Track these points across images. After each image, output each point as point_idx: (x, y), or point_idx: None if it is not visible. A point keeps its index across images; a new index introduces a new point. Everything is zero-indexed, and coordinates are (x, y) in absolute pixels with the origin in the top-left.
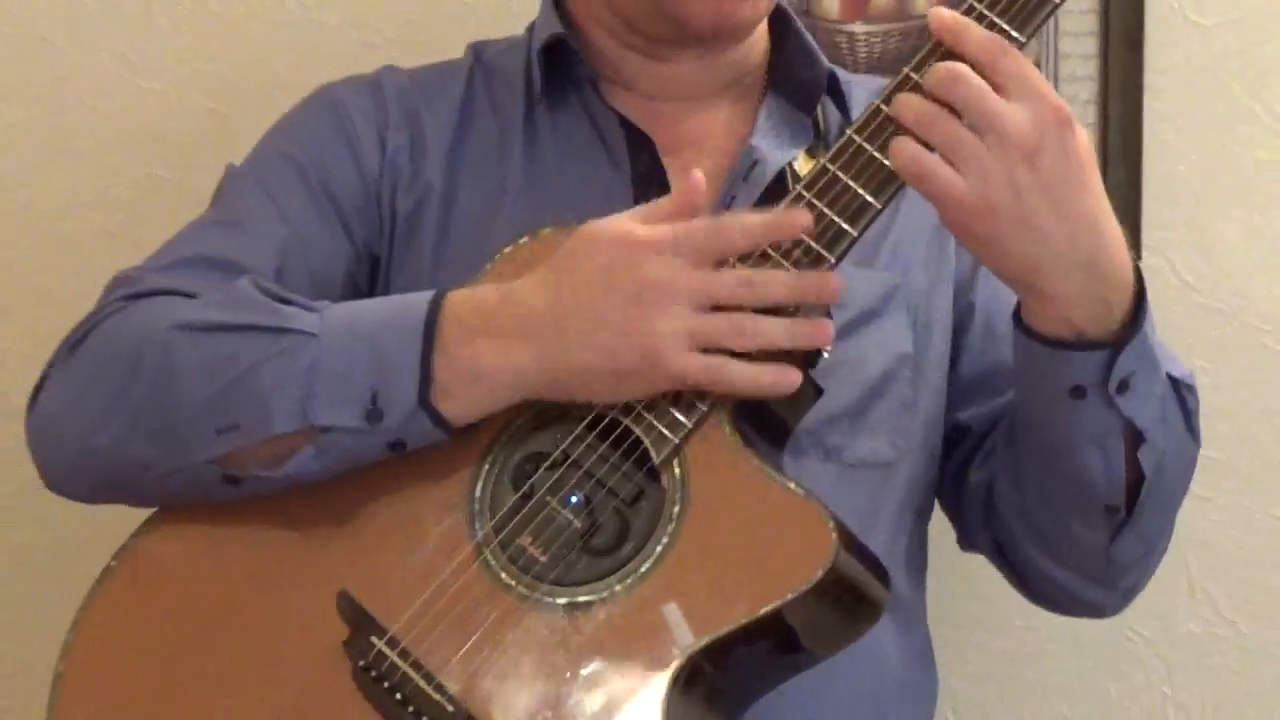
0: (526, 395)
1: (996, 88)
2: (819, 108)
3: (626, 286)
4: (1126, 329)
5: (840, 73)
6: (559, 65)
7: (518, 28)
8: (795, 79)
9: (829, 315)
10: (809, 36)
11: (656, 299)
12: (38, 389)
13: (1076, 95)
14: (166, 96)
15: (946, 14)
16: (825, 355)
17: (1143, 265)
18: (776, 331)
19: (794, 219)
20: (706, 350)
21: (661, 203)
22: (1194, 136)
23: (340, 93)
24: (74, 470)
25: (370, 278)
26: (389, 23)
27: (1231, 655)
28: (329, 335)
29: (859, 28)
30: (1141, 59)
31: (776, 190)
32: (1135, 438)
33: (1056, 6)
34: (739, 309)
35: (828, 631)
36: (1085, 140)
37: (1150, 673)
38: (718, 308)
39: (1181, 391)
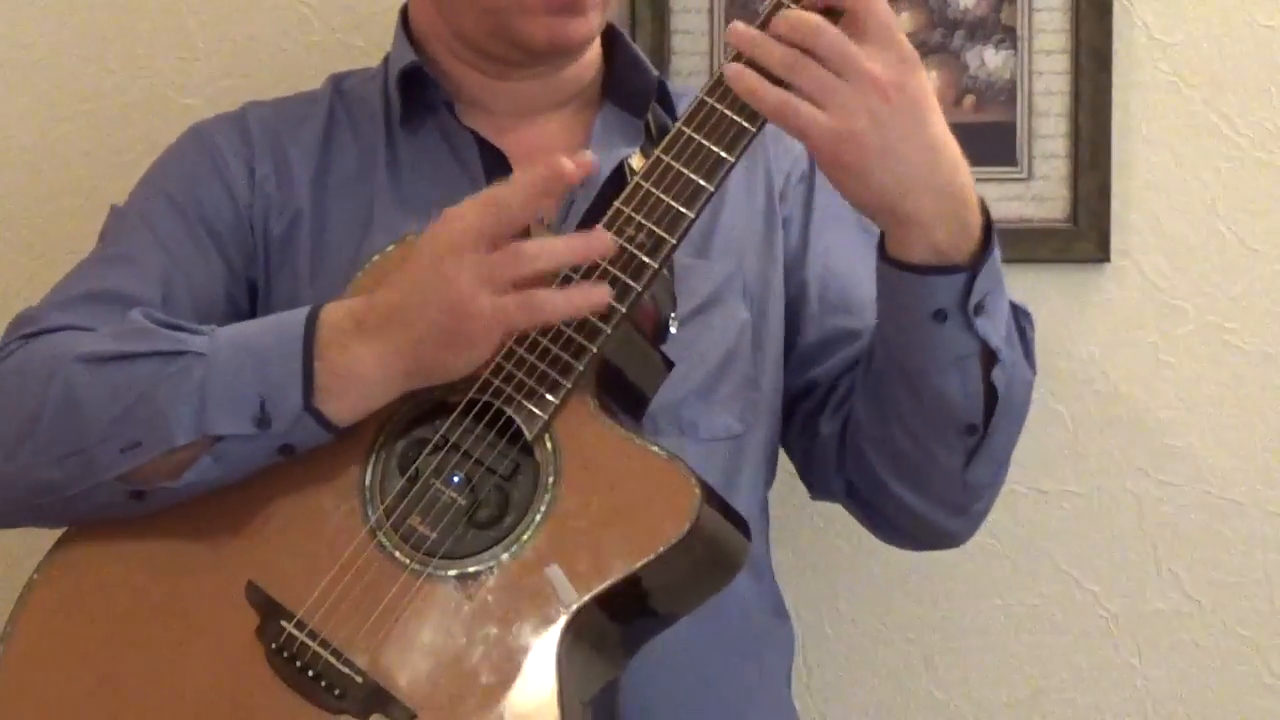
0: (401, 387)
1: (856, 31)
2: (649, 113)
3: (431, 259)
4: (980, 253)
5: (668, 83)
6: (415, 91)
7: None
8: (627, 88)
9: (674, 304)
10: (638, 49)
11: (451, 257)
12: None
13: (1050, 109)
14: (203, 112)
15: None
16: (673, 332)
17: (1111, 267)
18: (557, 248)
19: (552, 166)
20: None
21: (497, 189)
22: (1159, 147)
23: (209, 129)
24: None
25: (250, 300)
26: None
27: (1196, 631)
28: (217, 353)
29: None
30: (1110, 75)
31: (615, 187)
32: (989, 359)
33: None
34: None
35: (698, 580)
36: (927, 79)
37: (1120, 647)
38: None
39: (1019, 317)
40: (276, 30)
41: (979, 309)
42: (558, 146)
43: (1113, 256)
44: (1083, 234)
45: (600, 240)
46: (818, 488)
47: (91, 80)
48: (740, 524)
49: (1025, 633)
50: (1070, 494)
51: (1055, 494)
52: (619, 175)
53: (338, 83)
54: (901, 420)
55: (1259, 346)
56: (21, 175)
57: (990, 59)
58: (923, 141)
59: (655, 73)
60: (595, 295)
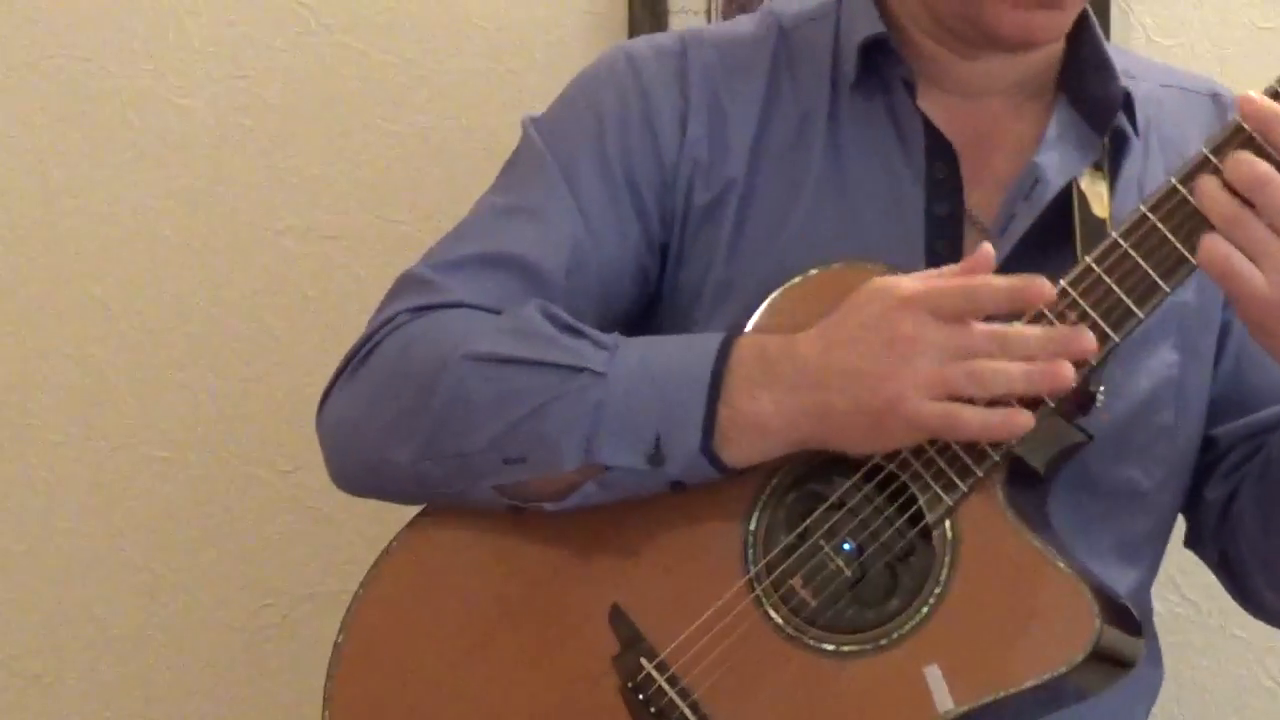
0: (800, 445)
1: None
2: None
3: (882, 339)
4: None
5: (1134, 94)
6: (871, 60)
7: (532, 44)
8: (1089, 91)
9: (1103, 377)
10: (1106, 47)
11: (906, 350)
12: (327, 393)
13: None
14: (202, 113)
15: (1259, 100)
16: (1098, 405)
17: None
18: (1014, 377)
19: (1036, 289)
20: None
21: (947, 270)
22: None
23: (645, 66)
24: (363, 476)
25: (660, 266)
26: (402, 39)
27: (1193, 633)
28: (618, 376)
29: None
30: None
31: (1057, 208)
32: None
33: None
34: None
35: (1083, 692)
36: None
37: None
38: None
39: None
40: (275, 30)
41: None
42: (1006, 143)
43: None
44: None
45: (1064, 371)
46: (1194, 544)
47: (91, 80)
48: (1135, 629)
49: None
50: None
51: None
52: (1065, 194)
53: (779, 21)
54: None
55: None
56: (21, 176)
57: None
58: None
59: (1122, 81)
60: (1016, 424)
